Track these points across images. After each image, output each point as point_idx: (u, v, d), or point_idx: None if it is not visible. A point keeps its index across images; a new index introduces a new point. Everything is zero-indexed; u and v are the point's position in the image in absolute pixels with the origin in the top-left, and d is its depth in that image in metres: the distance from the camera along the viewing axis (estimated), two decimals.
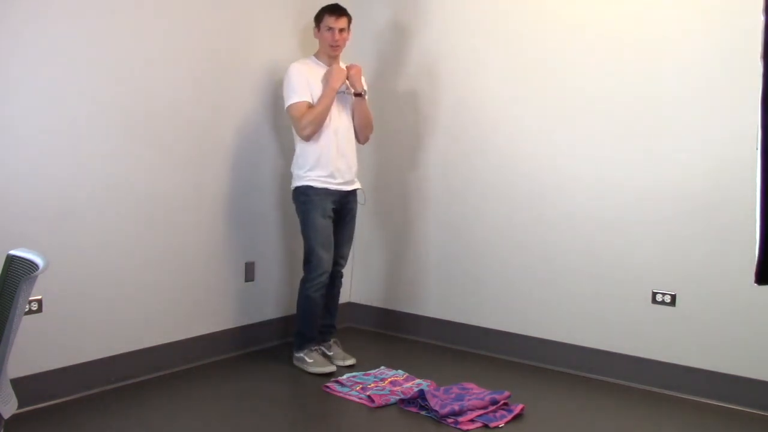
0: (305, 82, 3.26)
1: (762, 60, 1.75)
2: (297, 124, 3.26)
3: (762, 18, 1.76)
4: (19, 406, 1.84)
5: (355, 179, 3.45)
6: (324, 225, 3.30)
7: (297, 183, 3.33)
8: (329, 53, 3.34)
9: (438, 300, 3.88)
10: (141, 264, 3.14)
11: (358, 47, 4.01)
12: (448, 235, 3.82)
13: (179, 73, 3.25)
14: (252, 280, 3.67)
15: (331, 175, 3.29)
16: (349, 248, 3.54)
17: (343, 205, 3.40)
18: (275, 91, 3.72)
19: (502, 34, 3.57)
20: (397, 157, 4.00)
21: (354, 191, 3.45)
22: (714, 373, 2.99)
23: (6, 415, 1.71)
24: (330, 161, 3.28)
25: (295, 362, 3.39)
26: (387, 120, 4.00)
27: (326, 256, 3.31)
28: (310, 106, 3.23)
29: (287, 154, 3.83)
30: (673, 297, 3.09)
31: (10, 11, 2.65)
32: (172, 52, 3.21)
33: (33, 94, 2.75)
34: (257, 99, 3.64)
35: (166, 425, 2.68)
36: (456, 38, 3.73)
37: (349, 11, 3.39)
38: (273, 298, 3.80)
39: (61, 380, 2.86)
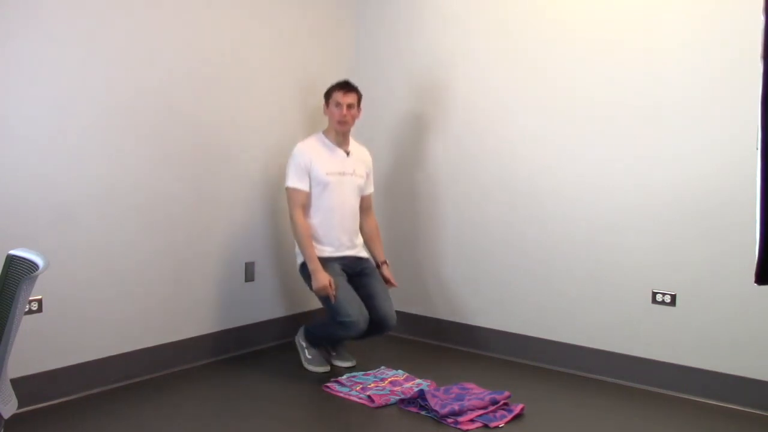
0: (305, 167, 3.26)
1: (762, 60, 1.76)
2: (289, 209, 3.31)
3: (762, 18, 1.77)
4: (19, 406, 1.84)
5: (361, 249, 3.45)
6: (343, 284, 3.20)
7: (303, 258, 3.29)
8: (337, 129, 3.33)
9: (438, 300, 3.88)
10: (141, 264, 3.14)
11: (360, 50, 4.02)
12: (448, 235, 3.82)
13: (179, 74, 3.25)
14: (252, 280, 3.67)
15: (335, 248, 3.31)
16: (390, 304, 3.29)
17: (353, 267, 3.36)
18: (277, 91, 3.73)
19: (503, 37, 3.56)
20: (402, 159, 4.00)
21: (365, 258, 3.44)
22: (714, 373, 2.99)
23: (6, 415, 1.71)
24: (334, 237, 3.31)
25: (297, 344, 3.43)
26: (391, 125, 4.01)
27: (355, 308, 3.12)
28: (306, 195, 3.26)
29: (290, 153, 3.83)
30: (673, 297, 3.09)
31: (9, 12, 2.65)
32: (171, 53, 3.21)
33: (33, 95, 2.75)
34: (258, 99, 3.63)
35: (165, 425, 2.68)
36: (458, 41, 3.73)
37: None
38: (273, 298, 3.80)
39: (61, 380, 2.86)
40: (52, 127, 2.80)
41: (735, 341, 2.93)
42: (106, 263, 3.01)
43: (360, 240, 3.46)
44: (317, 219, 3.29)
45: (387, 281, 3.42)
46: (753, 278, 1.82)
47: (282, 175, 3.73)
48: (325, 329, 3.30)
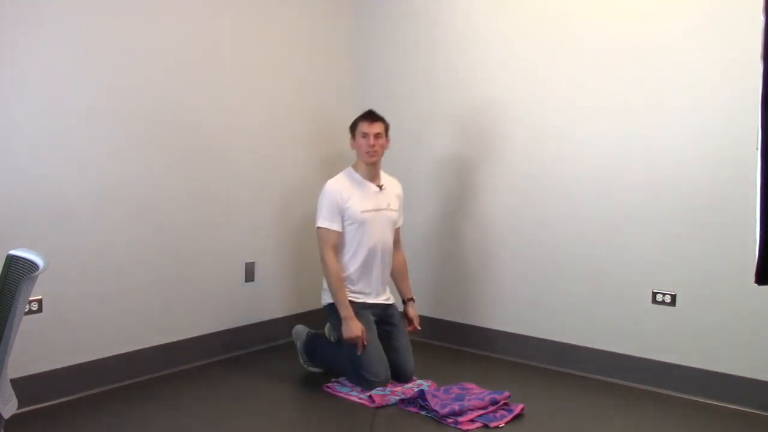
0: (338, 207, 3.13)
1: (762, 60, 1.76)
2: (320, 250, 3.17)
3: (762, 18, 1.77)
4: (19, 406, 1.84)
5: (389, 294, 3.34)
6: (373, 338, 3.10)
7: (331, 299, 3.17)
8: (365, 160, 3.19)
9: (437, 300, 3.88)
10: (141, 264, 3.14)
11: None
12: (447, 234, 3.82)
13: (179, 74, 3.25)
14: (252, 280, 3.67)
15: (369, 294, 3.22)
16: (411, 358, 3.21)
17: (380, 315, 3.25)
18: (278, 91, 3.73)
19: (506, 32, 3.57)
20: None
21: (392, 305, 3.33)
22: (714, 373, 2.99)
23: (6, 415, 1.71)
24: (372, 280, 3.21)
25: (295, 344, 3.40)
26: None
27: (383, 369, 3.06)
28: (338, 235, 3.14)
29: (289, 154, 3.83)
30: (673, 297, 3.09)
31: (10, 14, 2.65)
32: (172, 53, 3.22)
33: (33, 95, 2.75)
34: (259, 99, 3.64)
35: (165, 425, 2.68)
36: (471, 41, 3.73)
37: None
38: (273, 298, 3.80)
39: (61, 380, 2.86)
40: (52, 128, 2.81)
41: (735, 341, 2.93)
42: (106, 263, 3.01)
43: (390, 285, 3.36)
44: (356, 260, 3.17)
45: (411, 321, 3.32)
46: (753, 278, 1.82)
47: (284, 176, 3.73)
48: (338, 365, 3.21)
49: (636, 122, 3.15)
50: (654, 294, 3.14)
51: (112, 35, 2.98)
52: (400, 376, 3.14)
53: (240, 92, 3.54)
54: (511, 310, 3.60)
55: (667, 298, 3.10)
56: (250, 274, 3.66)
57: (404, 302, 3.38)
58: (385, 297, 3.30)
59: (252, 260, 3.67)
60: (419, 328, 3.35)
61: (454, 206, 3.79)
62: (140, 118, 3.11)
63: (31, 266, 1.58)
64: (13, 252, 1.62)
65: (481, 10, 3.63)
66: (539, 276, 3.49)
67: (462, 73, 3.72)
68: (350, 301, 3.13)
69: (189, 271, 3.35)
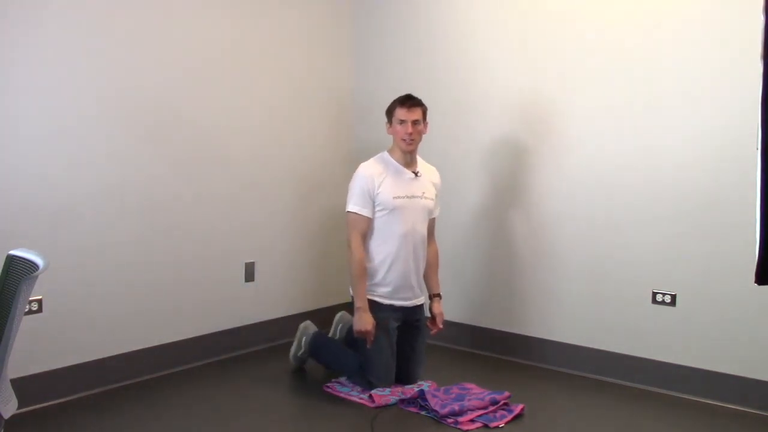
0: (369, 192, 3.01)
1: (762, 60, 1.76)
2: (347, 235, 3.06)
3: (762, 18, 1.77)
4: (19, 406, 1.84)
5: (421, 293, 3.20)
6: (387, 346, 3.03)
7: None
8: (403, 148, 3.05)
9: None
10: (141, 264, 3.14)
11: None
12: (444, 234, 3.81)
13: (179, 74, 3.25)
14: (252, 280, 3.67)
15: (402, 287, 3.08)
16: (422, 365, 3.18)
17: (408, 321, 3.13)
18: (278, 91, 3.73)
19: (506, 33, 3.58)
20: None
21: (421, 305, 3.19)
22: (714, 373, 2.99)
23: (6, 415, 1.71)
24: (401, 273, 3.06)
25: (300, 332, 3.35)
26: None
27: (388, 379, 3.04)
28: (368, 221, 3.02)
29: (290, 153, 3.83)
30: (673, 297, 3.09)
31: (10, 12, 2.65)
32: (172, 53, 3.22)
33: (34, 95, 2.75)
34: (259, 99, 3.64)
35: (165, 425, 2.68)
36: (471, 41, 3.73)
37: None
38: (273, 298, 3.80)
39: (61, 380, 2.86)
40: (52, 128, 2.81)
41: (735, 341, 2.93)
42: (106, 263, 3.01)
43: (422, 283, 3.20)
44: (385, 249, 3.04)
45: (434, 318, 3.19)
46: (753, 278, 1.82)
47: (284, 176, 3.73)
48: (341, 365, 3.18)
49: (636, 122, 3.15)
50: (654, 294, 3.14)
51: (112, 35, 2.98)
52: (405, 380, 3.12)
53: (240, 92, 3.54)
54: (511, 310, 3.60)
55: (667, 298, 3.10)
56: (250, 274, 3.66)
57: (430, 297, 3.24)
58: (417, 300, 3.16)
59: (252, 260, 3.67)
60: (441, 326, 3.21)
61: (448, 206, 3.79)
62: (140, 118, 3.11)
63: (31, 266, 1.58)
64: (13, 252, 1.63)
65: (481, 10, 3.63)
66: (539, 276, 3.49)
67: (462, 73, 3.72)
68: (377, 303, 3.03)
69: (189, 271, 3.35)
